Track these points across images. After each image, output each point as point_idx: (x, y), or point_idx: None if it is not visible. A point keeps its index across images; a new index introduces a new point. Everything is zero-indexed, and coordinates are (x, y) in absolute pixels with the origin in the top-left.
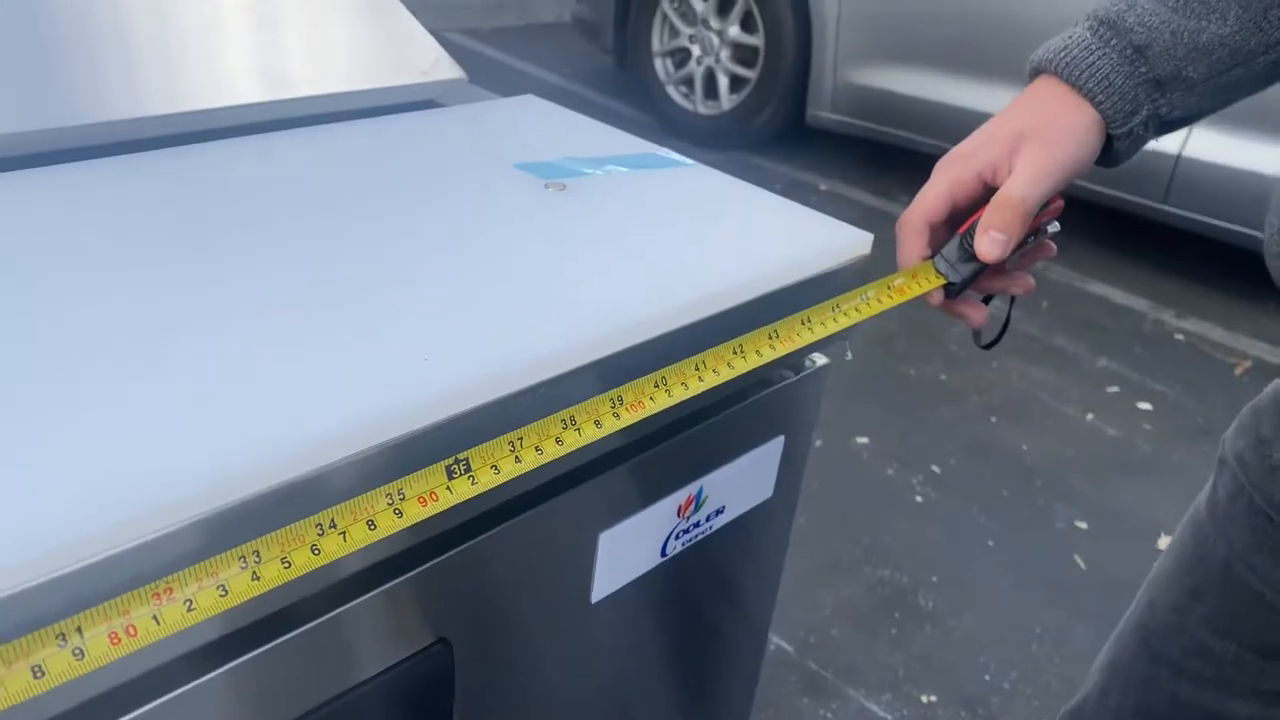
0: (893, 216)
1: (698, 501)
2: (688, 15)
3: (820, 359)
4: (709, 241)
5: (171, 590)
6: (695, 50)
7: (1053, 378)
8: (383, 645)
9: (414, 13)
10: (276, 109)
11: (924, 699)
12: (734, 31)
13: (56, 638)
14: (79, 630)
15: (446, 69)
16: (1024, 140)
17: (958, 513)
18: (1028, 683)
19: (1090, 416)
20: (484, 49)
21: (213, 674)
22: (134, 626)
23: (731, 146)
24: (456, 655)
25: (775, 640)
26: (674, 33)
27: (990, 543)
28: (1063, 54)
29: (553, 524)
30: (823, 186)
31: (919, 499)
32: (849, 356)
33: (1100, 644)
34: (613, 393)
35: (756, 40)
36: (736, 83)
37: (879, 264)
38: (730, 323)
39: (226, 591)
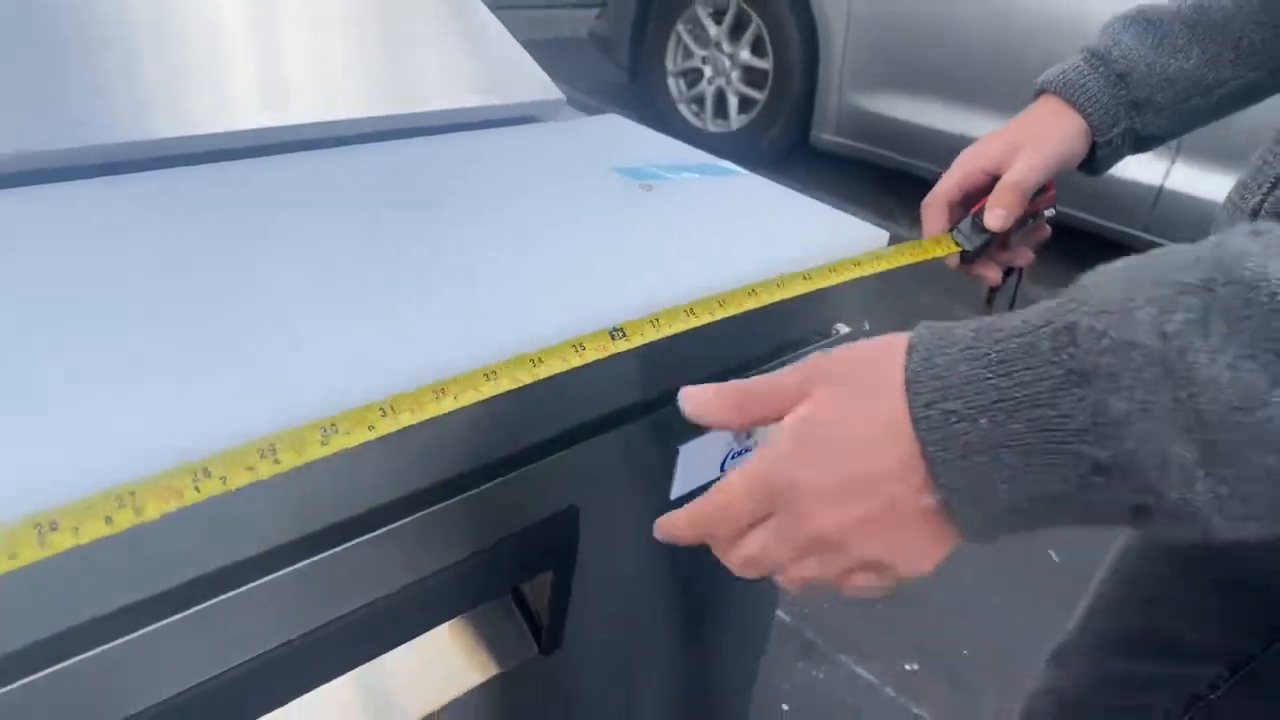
0: (892, 233)
1: (750, 432)
2: (701, 38)
3: (844, 328)
4: (756, 232)
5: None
6: (707, 71)
7: None
8: (534, 506)
9: None
10: (401, 120)
11: (907, 667)
12: (745, 55)
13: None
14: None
15: (549, 91)
16: (1024, 141)
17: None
18: (999, 655)
19: None
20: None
21: (417, 516)
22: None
23: (738, 164)
24: (582, 519)
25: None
26: (687, 54)
27: None
28: (1060, 77)
29: (651, 434)
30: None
31: None
32: (866, 328)
33: (1065, 623)
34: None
35: (766, 64)
36: (745, 103)
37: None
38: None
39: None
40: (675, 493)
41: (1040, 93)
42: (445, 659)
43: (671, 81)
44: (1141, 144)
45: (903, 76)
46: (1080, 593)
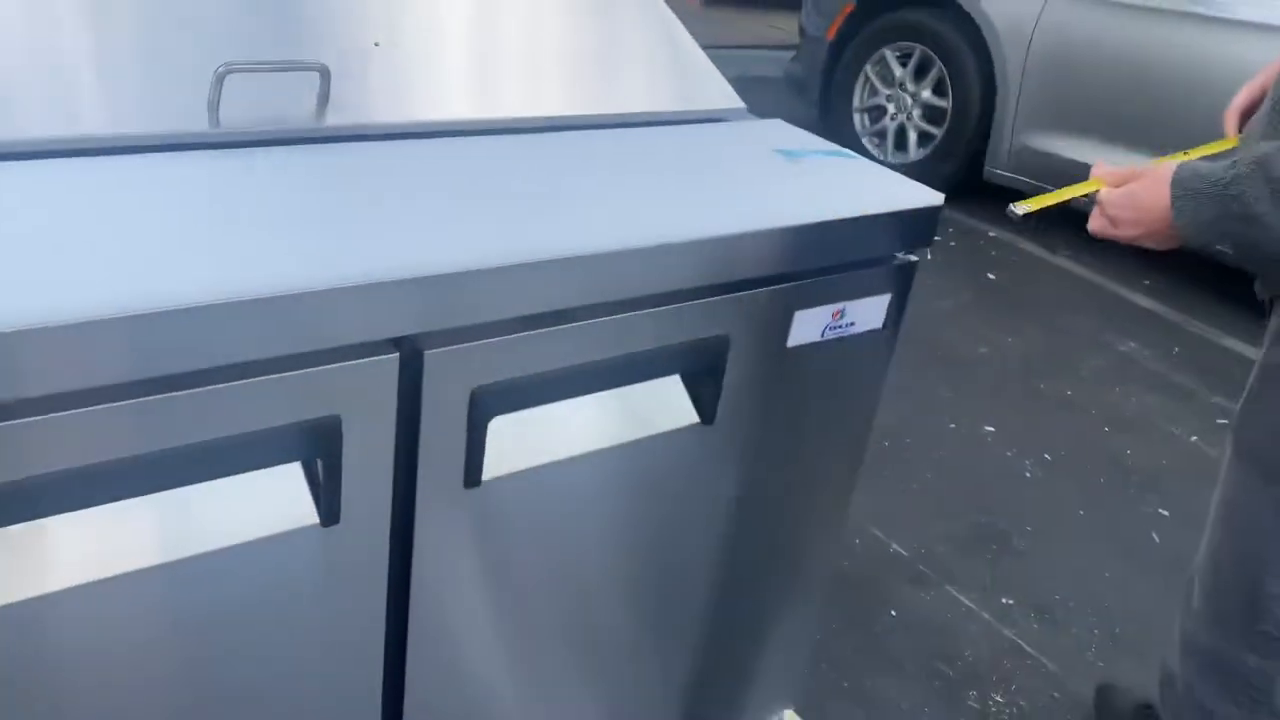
0: (1052, 265)
1: (843, 314)
2: (887, 78)
3: (911, 257)
4: (850, 189)
5: None
6: (890, 108)
7: (1169, 405)
8: (694, 331)
9: None
10: (624, 118)
11: (1003, 600)
12: (926, 94)
13: None
14: None
15: (732, 100)
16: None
17: (1058, 487)
18: (1089, 605)
19: (1194, 439)
20: None
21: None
22: None
23: None
24: (732, 346)
25: (893, 545)
26: (873, 92)
27: (1081, 511)
28: None
29: (776, 299)
30: (991, 234)
31: (1028, 474)
32: (928, 256)
33: (1158, 597)
34: None
35: (946, 103)
36: (924, 138)
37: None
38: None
39: None
40: (790, 342)
41: None
42: (635, 414)
43: (857, 117)
44: None
45: (1072, 118)
46: (1173, 570)
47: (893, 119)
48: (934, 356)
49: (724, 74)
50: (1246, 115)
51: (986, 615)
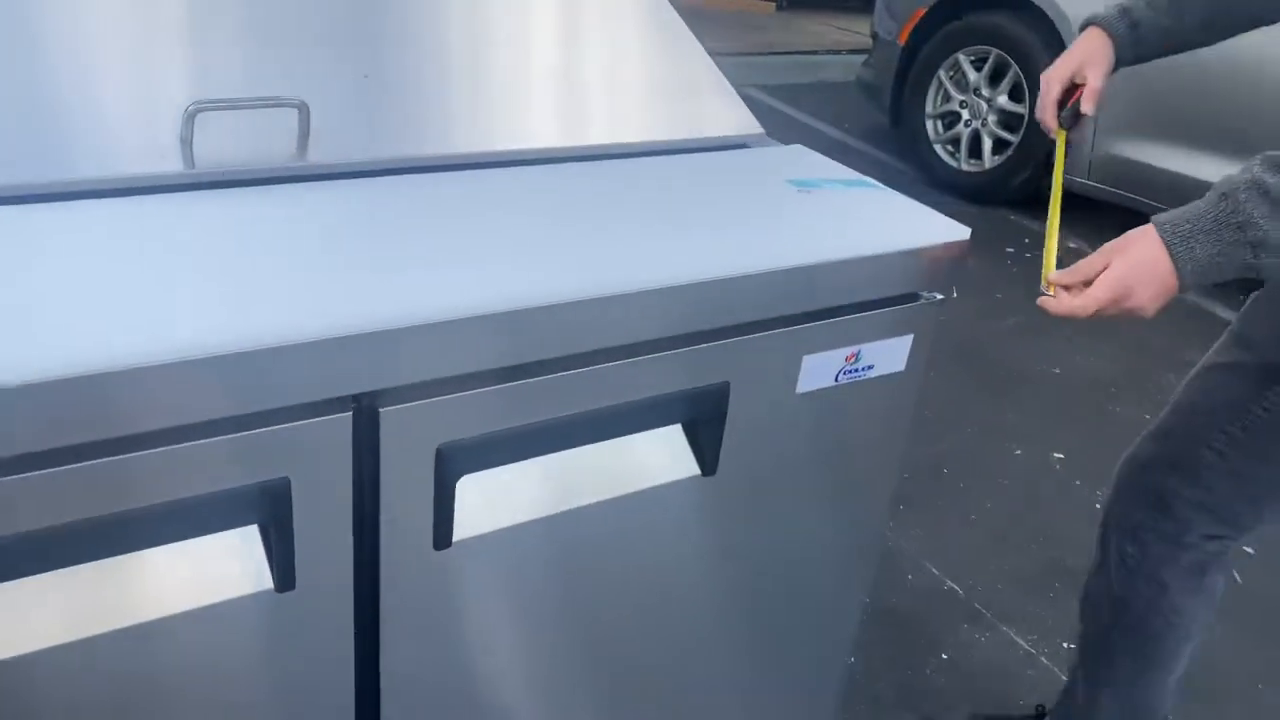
0: None
1: (858, 356)
2: (961, 83)
3: (937, 295)
4: (866, 223)
5: None
6: (964, 114)
7: None
8: (690, 378)
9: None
10: (630, 148)
11: (1065, 644)
12: (1002, 100)
13: None
14: None
15: (751, 125)
16: (1088, 59)
17: None
18: None
19: None
20: (773, 102)
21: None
22: None
23: (989, 202)
24: (732, 392)
25: (947, 582)
26: (946, 98)
27: None
28: (1104, 18)
29: (782, 342)
30: (1070, 244)
31: (1099, 506)
32: (954, 294)
33: (1237, 641)
34: None
35: (1022, 109)
36: (999, 145)
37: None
38: (860, 268)
39: None
40: (801, 388)
41: (1085, 27)
42: (627, 467)
43: (930, 123)
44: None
45: (1157, 124)
46: (1255, 611)
47: (967, 125)
48: (1000, 376)
49: (796, 80)
50: (1063, 105)
51: (1045, 659)
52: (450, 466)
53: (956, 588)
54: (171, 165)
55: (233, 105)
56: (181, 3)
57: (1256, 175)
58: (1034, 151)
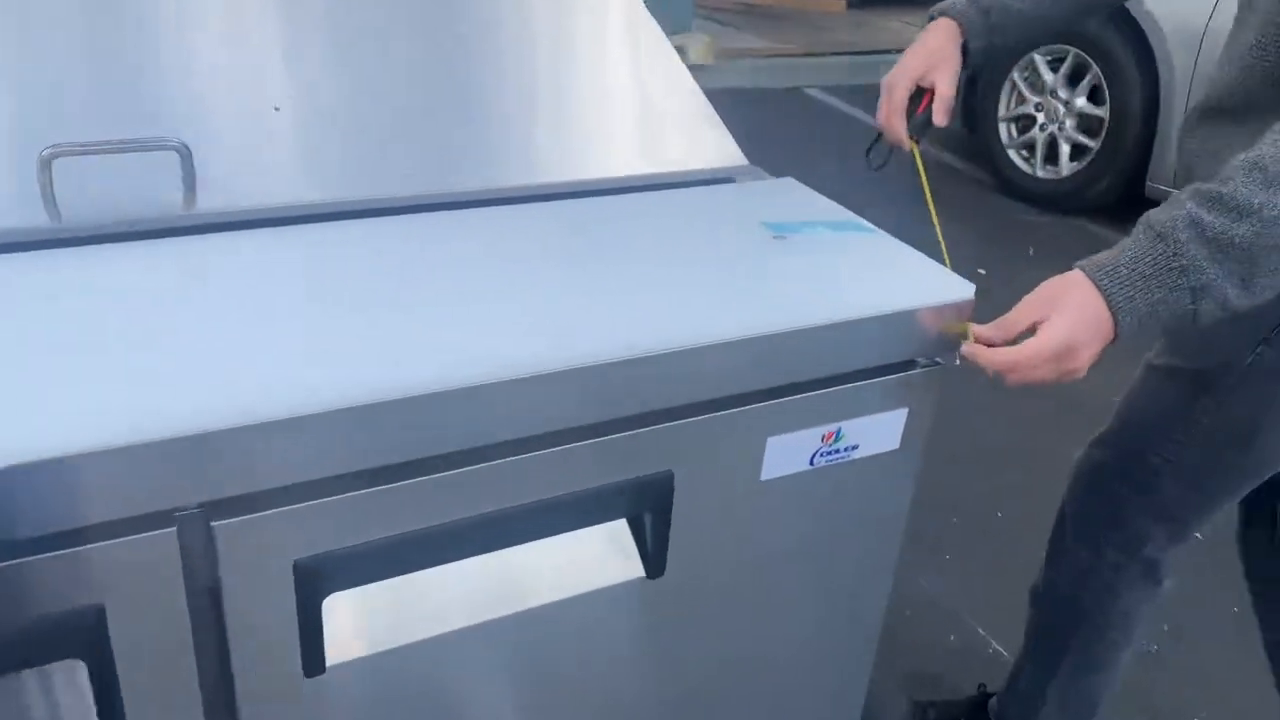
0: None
1: (838, 435)
2: (1036, 84)
3: (936, 361)
4: (849, 278)
5: None
6: (1040, 117)
7: None
8: (623, 469)
9: (778, 68)
10: (610, 182)
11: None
12: (1080, 102)
13: None
14: None
15: (734, 158)
16: (936, 59)
17: (1206, 578)
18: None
19: None
20: (838, 104)
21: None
22: None
23: (1066, 211)
24: (678, 482)
25: (993, 644)
26: (1020, 99)
27: (1235, 609)
28: (952, 7)
29: (740, 423)
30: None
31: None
32: (957, 363)
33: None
34: None
35: (1102, 112)
36: (1078, 151)
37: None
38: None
39: None
40: (766, 474)
41: (932, 18)
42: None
43: (1003, 127)
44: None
45: None
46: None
47: (1042, 129)
48: (1060, 407)
49: (865, 81)
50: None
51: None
52: (313, 584)
53: (1003, 650)
54: (27, 218)
55: (98, 149)
56: (48, 32)
57: (1193, 213)
58: (1116, 158)
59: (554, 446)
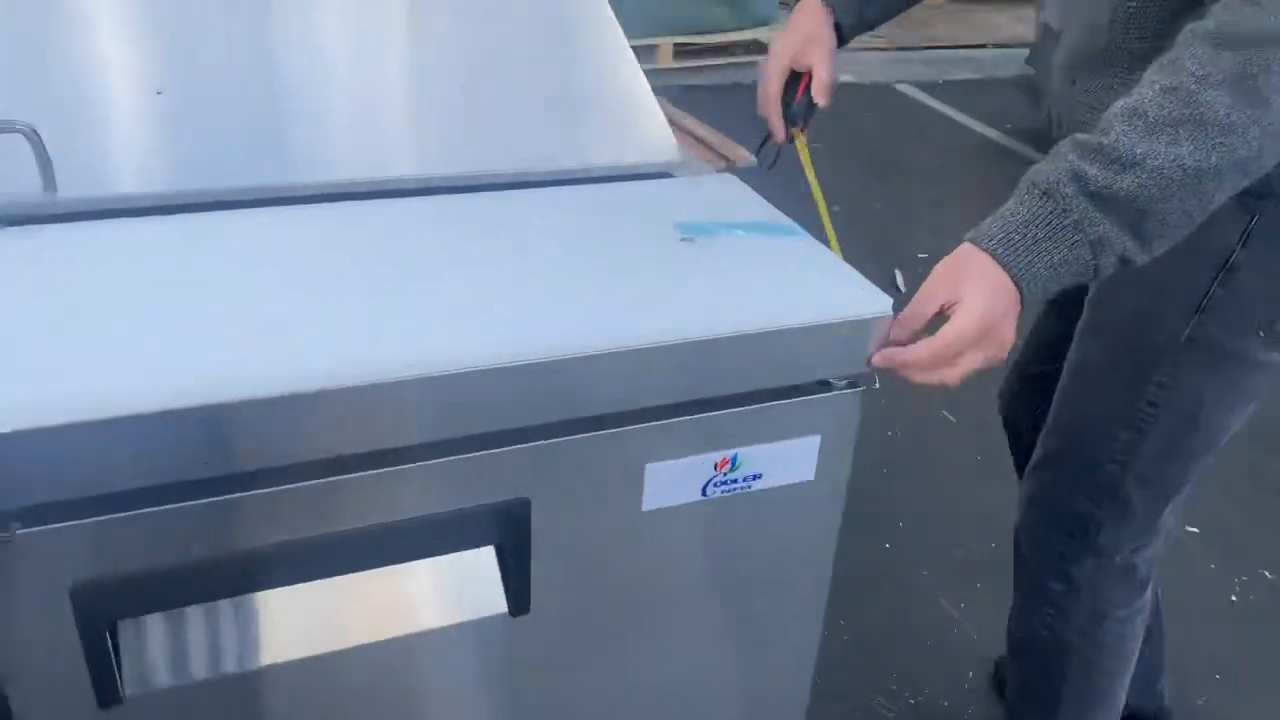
0: None
1: (734, 463)
2: None
3: (853, 385)
4: (753, 287)
5: None
6: None
7: None
8: (477, 493)
9: (867, 63)
10: (530, 176)
11: None
12: None
13: None
14: None
15: (666, 154)
16: (809, 40)
17: (1277, 620)
18: None
19: None
20: (929, 101)
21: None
22: None
23: None
24: (535, 510)
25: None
26: None
27: None
28: None
29: (611, 447)
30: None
31: (1234, 598)
32: (877, 386)
33: None
34: None
35: None
36: None
37: None
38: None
39: None
40: (648, 505)
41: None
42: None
43: None
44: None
45: None
46: None
47: None
48: None
49: (961, 76)
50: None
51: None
52: (94, 609)
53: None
54: None
55: None
56: None
57: (1075, 166)
58: None
59: (384, 466)
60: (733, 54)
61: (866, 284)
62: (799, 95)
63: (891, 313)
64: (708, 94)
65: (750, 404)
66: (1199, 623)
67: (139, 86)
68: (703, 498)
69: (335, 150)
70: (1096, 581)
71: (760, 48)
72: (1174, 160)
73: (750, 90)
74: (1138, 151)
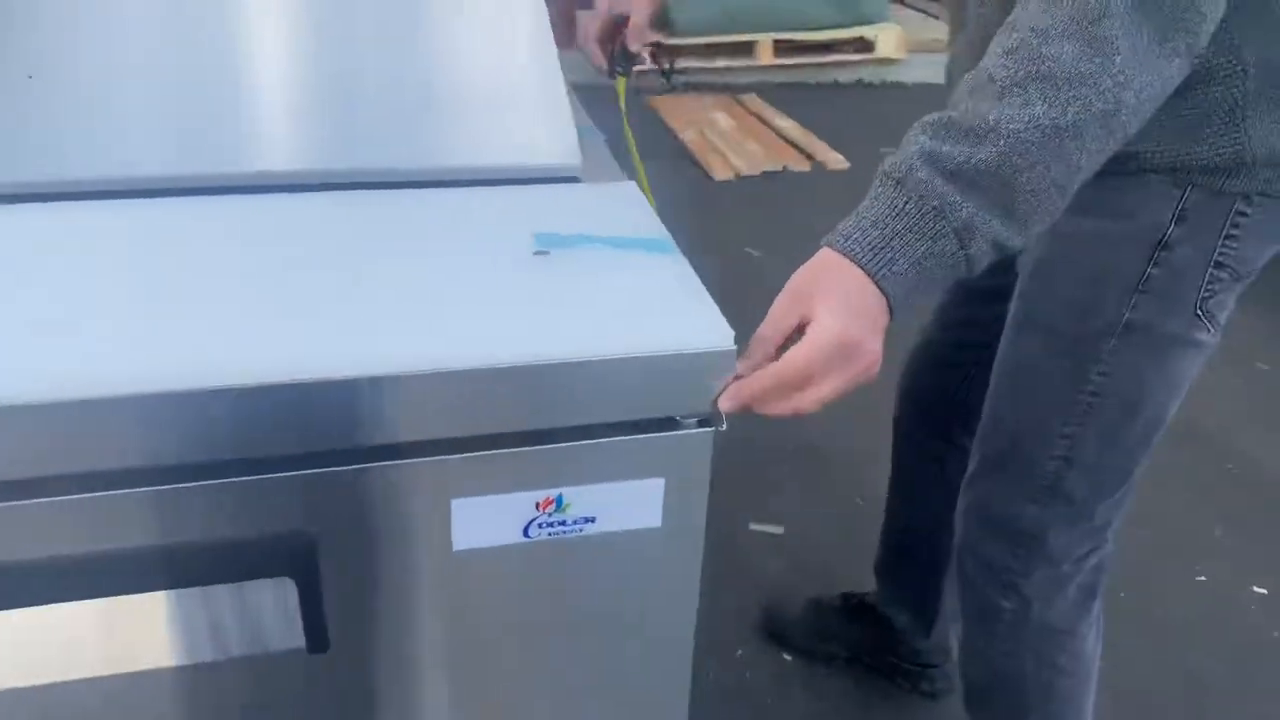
0: None
1: (559, 504)
2: None
3: (705, 425)
4: (596, 309)
5: None
6: None
7: None
8: (250, 522)
9: None
10: (436, 172)
11: None
12: None
13: None
14: None
15: (562, 156)
16: None
17: None
18: None
19: None
20: None
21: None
22: None
23: None
24: (322, 545)
25: None
26: None
27: None
28: None
29: (409, 479)
30: None
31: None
32: (724, 427)
33: None
34: None
35: None
36: None
37: None
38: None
39: None
40: (459, 545)
41: None
42: (206, 626)
43: None
44: None
45: None
46: None
47: None
48: (1214, 471)
49: None
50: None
51: None
52: None
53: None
54: None
55: None
56: None
57: (926, 148)
58: None
59: (153, 485)
60: (839, 51)
61: (716, 313)
62: (618, 44)
63: (735, 347)
64: (807, 93)
65: (577, 440)
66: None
67: (13, 70)
68: (525, 540)
69: (206, 140)
70: (1049, 594)
71: (866, 46)
72: (1030, 121)
73: (852, 90)
74: (990, 118)
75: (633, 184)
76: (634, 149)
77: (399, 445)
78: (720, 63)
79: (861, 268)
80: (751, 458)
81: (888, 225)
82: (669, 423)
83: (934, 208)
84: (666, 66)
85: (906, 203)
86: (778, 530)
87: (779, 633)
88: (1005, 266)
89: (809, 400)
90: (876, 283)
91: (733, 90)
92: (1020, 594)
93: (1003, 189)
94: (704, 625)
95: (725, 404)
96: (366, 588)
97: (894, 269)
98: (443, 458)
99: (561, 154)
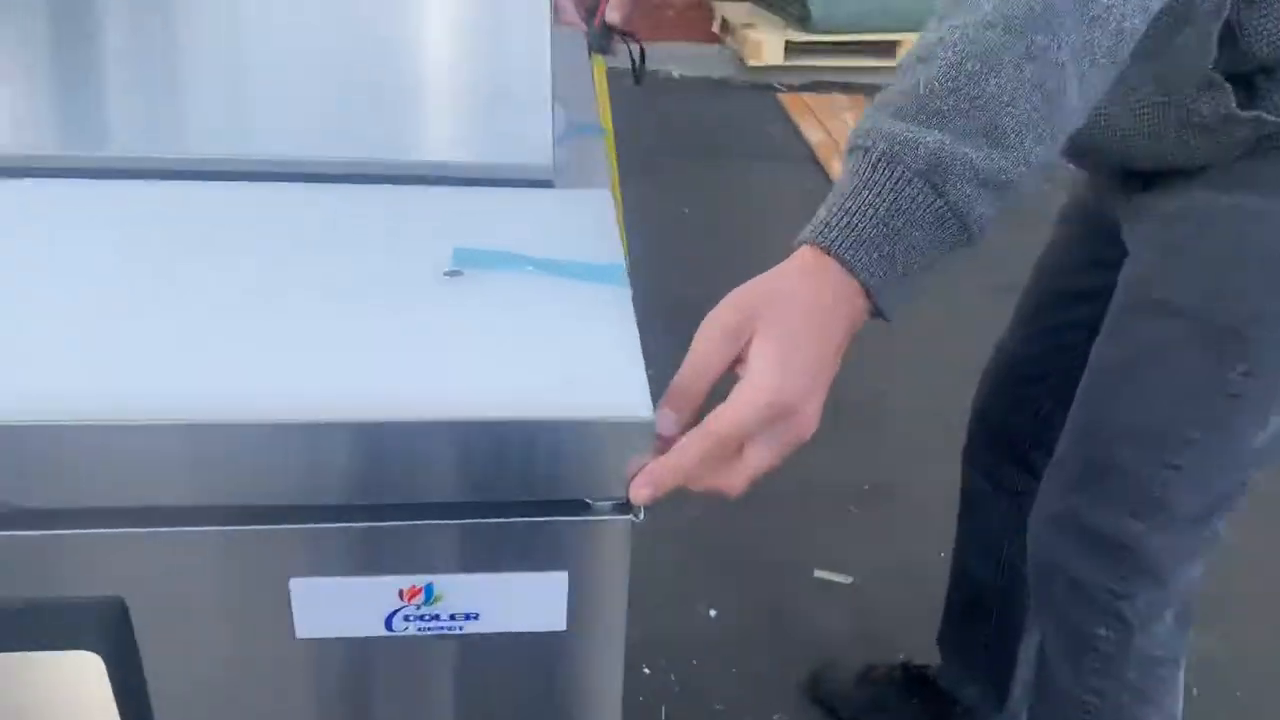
0: None
1: (428, 595)
2: None
3: (619, 515)
4: (487, 351)
5: None
6: None
7: None
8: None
9: None
10: (396, 167)
11: None
12: None
13: None
14: None
15: (529, 157)
16: None
17: None
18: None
19: None
20: None
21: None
22: None
23: None
24: (134, 614)
25: None
26: None
27: None
28: None
29: (243, 549)
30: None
31: None
32: (640, 518)
33: None
34: None
35: None
36: None
37: None
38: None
39: None
40: (302, 632)
41: None
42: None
43: None
44: None
45: None
46: None
47: None
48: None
49: None
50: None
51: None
52: None
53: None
54: None
55: None
56: None
57: (875, 103)
58: None
59: None
60: None
61: (638, 370)
62: (597, 19)
63: (654, 419)
64: None
65: (452, 518)
66: None
67: None
68: (389, 633)
69: (182, 123)
70: (1150, 620)
71: None
72: (980, 20)
73: None
74: (934, 37)
75: (606, 192)
76: (611, 145)
77: (220, 509)
78: (859, 62)
79: (848, 269)
80: (822, 495)
81: (838, 196)
82: (575, 505)
83: (883, 153)
84: (635, 60)
85: (857, 164)
86: (845, 580)
87: (825, 699)
88: (1101, 261)
89: (741, 478)
90: (862, 283)
91: (869, 92)
92: (1123, 620)
93: (970, 106)
94: (740, 677)
95: (641, 493)
96: (197, 668)
97: (858, 235)
98: (273, 527)
99: (529, 154)
